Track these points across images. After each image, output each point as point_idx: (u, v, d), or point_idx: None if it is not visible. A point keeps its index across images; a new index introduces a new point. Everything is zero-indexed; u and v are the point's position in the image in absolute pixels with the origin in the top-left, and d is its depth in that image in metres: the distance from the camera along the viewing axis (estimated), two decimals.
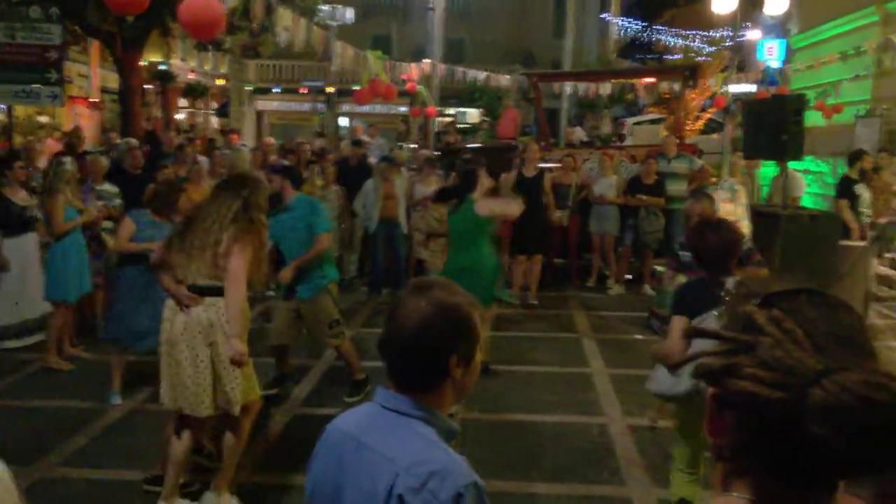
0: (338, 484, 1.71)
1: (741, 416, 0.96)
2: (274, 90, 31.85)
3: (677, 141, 10.85)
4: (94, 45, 18.46)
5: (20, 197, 7.28)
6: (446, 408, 1.79)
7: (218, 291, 4.03)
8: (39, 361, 6.76)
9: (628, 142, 17.42)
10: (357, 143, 11.98)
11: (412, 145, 17.01)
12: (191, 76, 26.32)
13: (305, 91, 28.84)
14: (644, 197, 9.79)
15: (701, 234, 3.63)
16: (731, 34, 26.86)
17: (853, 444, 0.87)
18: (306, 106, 30.11)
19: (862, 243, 7.05)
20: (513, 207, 6.42)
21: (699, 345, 1.05)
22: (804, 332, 0.95)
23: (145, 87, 17.19)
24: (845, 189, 9.40)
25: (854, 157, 9.87)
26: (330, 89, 15.74)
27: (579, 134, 21.07)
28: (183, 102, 26.72)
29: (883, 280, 10.11)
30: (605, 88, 18.89)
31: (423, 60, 15.31)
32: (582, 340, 7.90)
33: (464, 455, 1.72)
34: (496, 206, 6.19)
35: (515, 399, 6.13)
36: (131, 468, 4.77)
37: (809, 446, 0.89)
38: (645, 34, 35.10)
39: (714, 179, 10.69)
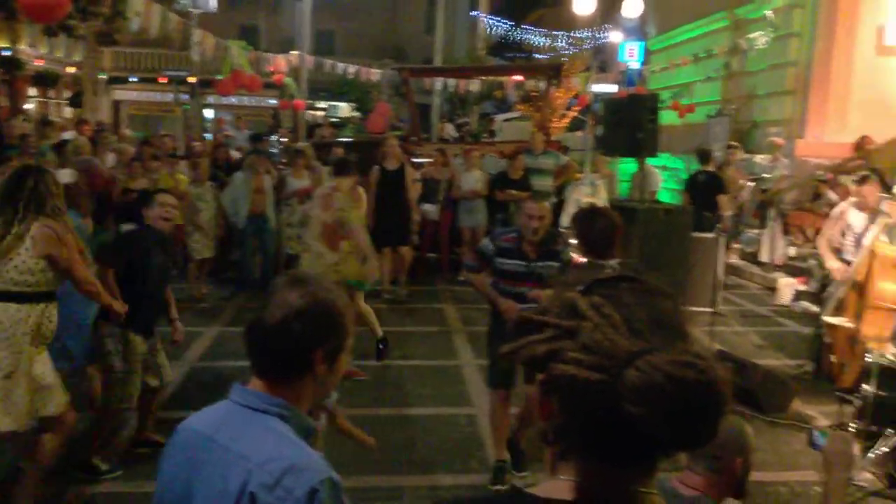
0: (189, 484, 1.65)
1: (565, 400, 0.99)
2: (131, 79, 30.27)
3: (544, 138, 11.17)
4: None
5: None
6: (305, 405, 1.75)
7: None
8: None
9: (498, 138, 17.77)
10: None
11: (282, 139, 16.65)
12: (40, 63, 24.62)
13: (166, 81, 27.60)
14: (512, 191, 10.00)
15: (590, 219, 3.79)
16: (593, 35, 27.93)
17: (666, 422, 0.91)
18: (169, 97, 28.84)
19: (710, 235, 7.48)
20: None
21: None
22: (622, 316, 0.98)
23: None
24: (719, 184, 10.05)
25: (706, 154, 10.56)
26: (192, 79, 15.14)
27: (449, 130, 21.34)
28: (32, 91, 24.97)
29: (731, 269, 10.81)
30: (475, 85, 19.17)
31: (291, 52, 14.97)
32: (452, 334, 7.98)
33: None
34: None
35: (386, 393, 6.12)
36: None
37: (627, 426, 0.92)
38: (513, 33, 35.95)
39: (578, 175, 11.07)
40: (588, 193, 9.19)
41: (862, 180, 6.28)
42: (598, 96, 17.42)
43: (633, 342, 0.95)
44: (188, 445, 1.70)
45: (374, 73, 16.85)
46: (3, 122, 11.43)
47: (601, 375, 0.93)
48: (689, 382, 0.90)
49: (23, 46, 22.69)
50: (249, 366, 1.74)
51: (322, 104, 30.17)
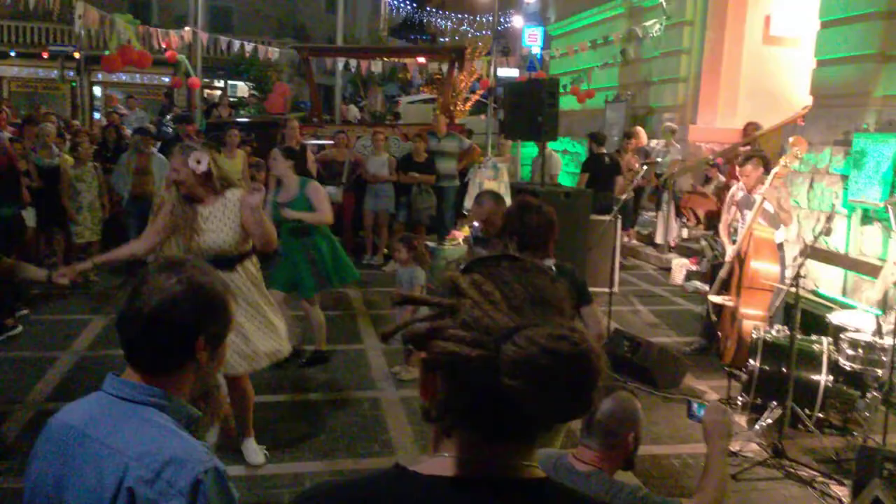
0: (60, 481, 1.55)
1: (446, 377, 1.00)
2: (11, 54, 28.46)
3: (447, 121, 11.17)
4: None
5: None
6: (185, 393, 1.68)
7: None
8: None
9: (402, 120, 17.68)
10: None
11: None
12: None
13: (48, 56, 26.07)
14: (416, 175, 9.97)
15: (523, 214, 3.58)
16: (493, 19, 28.15)
17: (542, 394, 0.93)
18: (54, 73, 27.29)
19: (608, 217, 7.67)
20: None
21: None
22: (501, 294, 1.00)
23: None
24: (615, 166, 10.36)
25: (600, 137, 10.89)
26: (77, 55, 14.28)
27: (354, 112, 21.08)
28: None
29: (628, 250, 11.15)
30: (378, 66, 18.98)
31: (185, 28, 14.40)
32: (356, 316, 7.91)
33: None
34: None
35: (285, 378, 6.00)
36: None
37: (507, 401, 0.94)
38: (417, 15, 35.84)
39: (482, 158, 11.15)
40: (491, 177, 9.27)
41: (745, 160, 6.56)
42: (501, 80, 17.58)
43: (512, 318, 0.97)
44: (58, 440, 1.60)
45: (273, 52, 16.40)
46: None
47: (481, 351, 0.95)
48: (564, 355, 0.93)
49: None
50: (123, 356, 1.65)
51: (219, 83, 29.27)
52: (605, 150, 10.85)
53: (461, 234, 9.10)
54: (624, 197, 7.74)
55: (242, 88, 28.82)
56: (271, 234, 4.27)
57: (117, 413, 1.57)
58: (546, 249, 3.58)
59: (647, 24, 14.26)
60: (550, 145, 10.31)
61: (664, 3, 13.75)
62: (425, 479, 1.02)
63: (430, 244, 9.38)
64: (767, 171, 6.34)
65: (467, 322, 0.97)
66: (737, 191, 6.67)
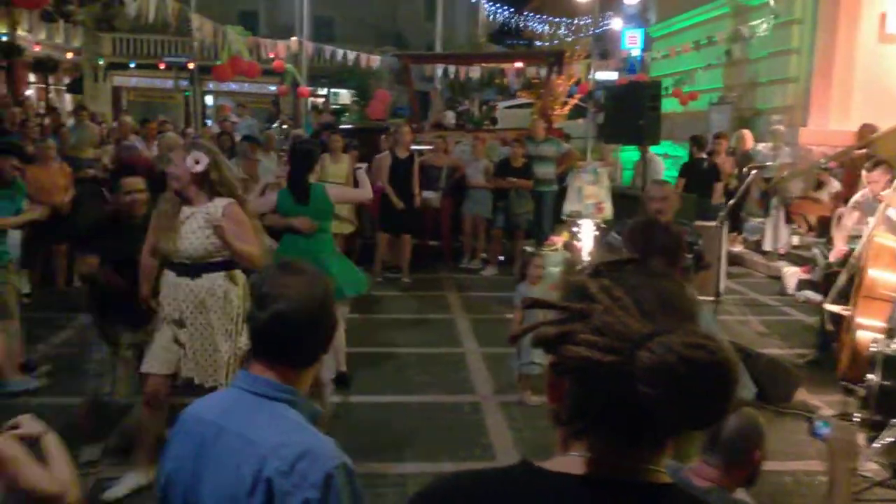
0: (197, 472, 1.64)
1: (577, 381, 1.01)
2: (131, 65, 30.14)
3: (545, 125, 11.11)
4: None
5: None
6: (307, 389, 1.76)
7: None
8: None
9: (500, 125, 17.71)
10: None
11: (283, 126, 16.58)
12: (39, 49, 24.51)
13: (165, 67, 27.49)
14: (513, 179, 9.95)
15: (648, 233, 3.25)
16: (593, 22, 27.78)
17: (677, 402, 0.93)
18: (169, 83, 28.75)
19: (713, 223, 7.45)
20: (364, 193, 5.93)
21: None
22: (632, 299, 1.00)
23: None
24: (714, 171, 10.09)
25: (703, 141, 10.62)
26: (191, 65, 15.10)
27: (449, 117, 21.24)
28: (32, 78, 24.87)
29: (735, 258, 10.79)
30: (476, 72, 19.09)
31: (291, 39, 14.88)
32: (455, 321, 7.96)
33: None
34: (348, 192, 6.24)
35: (388, 380, 6.10)
36: None
37: (639, 406, 0.94)
38: (514, 20, 35.78)
39: (580, 163, 11.04)
40: (591, 181, 9.15)
41: (873, 166, 6.27)
42: (600, 84, 17.38)
43: (644, 324, 0.97)
44: (194, 433, 1.68)
45: (374, 60, 16.75)
46: (3, 109, 11.35)
47: (613, 357, 0.95)
48: (701, 363, 0.93)
49: (21, 32, 22.57)
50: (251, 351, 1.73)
51: (322, 91, 30.07)
52: (704, 155, 10.58)
53: (560, 239, 9.04)
54: (731, 202, 7.50)
55: (345, 96, 29.53)
56: (250, 254, 3.92)
57: (251, 407, 1.65)
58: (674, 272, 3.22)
59: (754, 23, 13.79)
60: (652, 149, 10.12)
61: (772, 2, 13.27)
62: (554, 476, 1.04)
63: (528, 249, 9.35)
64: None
65: (599, 327, 0.98)
66: (861, 197, 6.39)
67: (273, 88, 25.07)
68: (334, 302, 1.80)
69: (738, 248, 11.13)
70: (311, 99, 20.75)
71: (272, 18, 32.06)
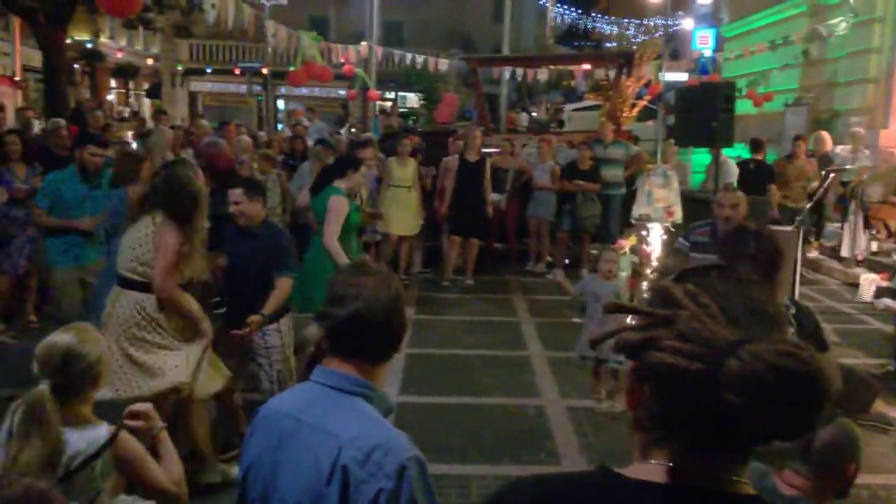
0: (276, 463, 1.70)
1: (660, 388, 1.00)
2: (207, 71, 31.07)
3: (613, 127, 11.00)
4: (16, 22, 17.70)
5: None
6: (381, 383, 1.81)
7: None
8: None
9: (567, 128, 17.60)
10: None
11: (351, 129, 16.82)
12: (120, 56, 25.48)
13: (240, 72, 28.23)
14: (580, 182, 9.88)
15: (741, 242, 3.13)
16: (665, 23, 27.36)
17: (766, 412, 0.91)
18: (242, 88, 29.49)
19: (789, 228, 7.25)
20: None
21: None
22: (718, 305, 0.99)
23: (73, 66, 16.57)
24: (768, 173, 9.84)
25: (757, 144, 10.38)
26: (265, 71, 15.52)
27: (524, 119, 21.20)
28: (113, 83, 25.87)
29: (810, 264, 10.47)
30: (543, 74, 19.00)
31: (361, 43, 15.12)
32: (520, 324, 7.95)
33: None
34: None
35: (452, 382, 6.14)
36: None
37: (724, 414, 0.93)
38: (582, 21, 35.47)
39: (650, 166, 10.88)
40: (660, 184, 9.00)
41: None
42: (670, 85, 17.08)
43: (731, 331, 0.95)
44: (273, 426, 1.75)
45: (443, 64, 16.86)
46: (87, 113, 11.84)
47: (700, 364, 0.94)
48: (792, 372, 0.90)
49: (103, 39, 23.50)
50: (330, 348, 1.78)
51: (390, 95, 30.38)
52: (760, 157, 10.34)
53: (628, 243, 8.92)
54: (807, 206, 7.29)
55: (412, 99, 29.76)
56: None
57: (328, 401, 1.71)
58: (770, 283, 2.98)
59: (832, 22, 13.37)
60: (725, 152, 9.90)
61: (851, 0, 12.82)
62: (634, 484, 1.03)
63: (595, 253, 9.27)
64: None
65: (685, 334, 0.96)
66: None
67: (342, 93, 25.49)
68: (405, 302, 1.85)
69: (814, 254, 10.80)
70: (378, 102, 21.02)
71: (342, 24, 32.57)
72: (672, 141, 10.87)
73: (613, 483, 1.04)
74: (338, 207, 5.44)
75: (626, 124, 15.65)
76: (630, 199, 10.24)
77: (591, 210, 9.98)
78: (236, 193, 4.50)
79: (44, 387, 2.39)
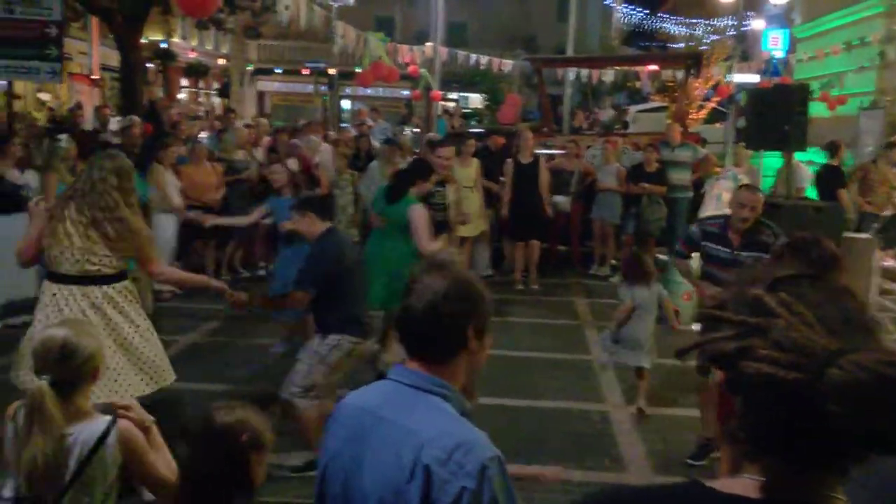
0: (357, 457, 1.72)
1: (754, 399, 0.98)
2: (276, 71, 31.68)
3: (681, 129, 10.81)
4: (94, 22, 18.32)
5: (12, 175, 7.21)
6: (460, 383, 1.80)
7: None
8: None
9: (632, 129, 17.38)
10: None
11: (414, 129, 16.93)
12: (192, 55, 26.18)
13: (307, 72, 28.70)
14: (646, 185, 9.74)
15: (803, 250, 3.11)
16: (734, 23, 26.80)
17: (870, 422, 0.89)
18: (309, 87, 29.98)
19: (866, 235, 7.02)
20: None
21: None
22: (813, 314, 0.96)
23: (147, 65, 17.08)
24: (839, 178, 9.53)
25: (834, 147, 10.05)
26: (332, 71, 15.72)
27: (581, 119, 21.00)
28: (184, 82, 26.58)
29: (887, 273, 10.09)
30: (608, 75, 18.78)
31: (426, 44, 15.21)
32: (583, 327, 7.88)
33: None
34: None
35: (516, 384, 6.11)
36: None
37: (821, 426, 0.91)
38: (648, 21, 34.97)
39: (718, 169, 10.66)
40: (730, 188, 8.80)
41: None
42: (740, 87, 16.71)
43: (831, 340, 0.93)
44: (354, 422, 1.76)
45: (507, 64, 16.83)
46: (160, 111, 12.18)
47: (798, 374, 0.92)
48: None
49: (176, 39, 24.18)
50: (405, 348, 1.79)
51: (452, 95, 30.47)
52: (835, 162, 10.03)
53: None
54: (888, 213, 7.04)
55: (474, 99, 29.78)
56: None
57: (407, 398, 1.72)
58: None
59: None
60: (797, 156, 9.63)
61: None
62: (726, 498, 1.01)
63: (662, 257, 9.12)
64: None
65: (782, 343, 0.94)
66: None
67: (405, 93, 25.68)
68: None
69: (890, 262, 10.41)
70: (441, 103, 21.11)
71: (407, 24, 32.80)
72: (743, 144, 10.63)
73: (706, 497, 1.02)
74: (419, 217, 5.61)
75: (693, 126, 15.38)
76: (697, 202, 10.06)
77: (657, 213, 9.83)
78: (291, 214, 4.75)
79: (43, 382, 2.38)
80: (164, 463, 2.55)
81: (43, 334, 2.57)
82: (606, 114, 17.48)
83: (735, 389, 1.00)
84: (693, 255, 5.05)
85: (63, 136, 7.10)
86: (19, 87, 14.49)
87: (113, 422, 2.47)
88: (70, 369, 2.44)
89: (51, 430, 2.34)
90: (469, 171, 9.27)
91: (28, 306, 7.19)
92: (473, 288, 1.80)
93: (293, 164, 6.83)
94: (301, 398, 4.35)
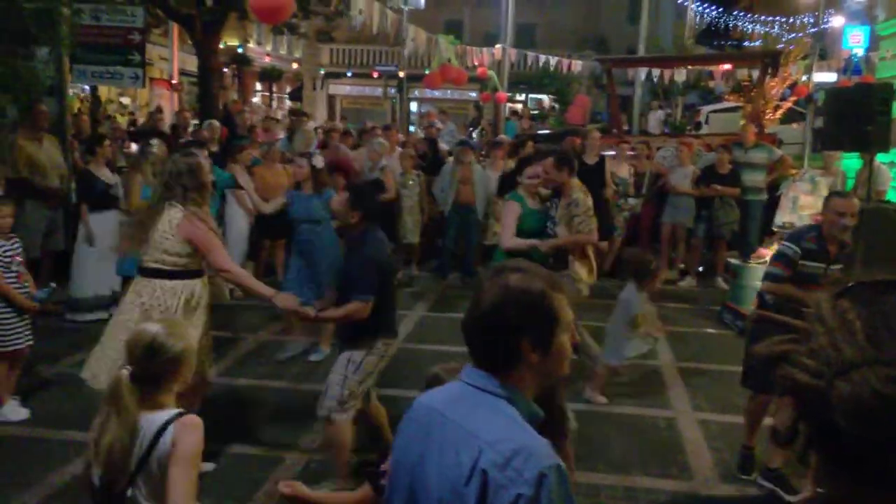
0: (422, 455, 1.74)
1: (797, 406, 0.94)
2: (347, 74, 32.19)
3: (756, 130, 10.53)
4: (175, 29, 18.96)
5: (105, 174, 7.59)
6: (530, 390, 1.77)
7: None
8: None
9: (704, 130, 17.02)
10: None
11: (483, 131, 16.95)
12: (267, 60, 26.82)
13: (377, 75, 29.05)
14: (718, 187, 9.52)
15: (863, 227, 3.09)
16: (813, 20, 25.99)
17: (874, 441, 0.85)
18: (378, 90, 30.35)
19: None
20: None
21: None
22: (867, 325, 0.90)
23: (223, 70, 17.59)
24: None
25: None
26: (401, 74, 15.94)
27: (659, 117, 20.64)
28: (257, 86, 27.25)
29: None
30: (681, 75, 18.43)
31: (495, 46, 15.22)
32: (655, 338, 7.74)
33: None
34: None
35: (581, 388, 6.06)
36: None
37: (843, 440, 0.87)
38: (722, 20, 34.15)
39: (794, 171, 10.35)
40: (807, 191, 8.55)
41: None
42: (818, 86, 16.19)
43: (860, 352, 0.88)
44: (423, 420, 1.79)
45: (576, 65, 16.70)
46: (235, 115, 12.55)
47: (816, 382, 0.89)
48: (893, 401, 0.83)
49: (251, 45, 24.81)
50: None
51: (520, 97, 30.36)
52: None
53: (769, 252, 8.52)
54: None
55: (542, 101, 29.58)
56: None
57: (473, 400, 1.72)
58: None
59: None
60: (878, 157, 9.27)
61: None
62: None
63: (733, 261, 8.91)
64: None
65: (814, 350, 0.91)
66: None
67: (473, 95, 25.73)
68: (544, 307, 1.74)
69: None
70: (508, 105, 21.07)
71: (476, 26, 32.84)
72: (821, 146, 10.28)
73: None
74: (508, 212, 5.75)
75: (769, 127, 14.94)
76: (771, 205, 9.79)
77: (730, 216, 9.60)
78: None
79: (124, 372, 2.48)
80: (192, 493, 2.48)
81: (137, 328, 2.67)
82: (655, 117, 16.86)
83: (780, 393, 0.97)
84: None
85: (155, 140, 7.39)
86: (102, 91, 15.10)
87: (176, 416, 2.51)
88: (153, 366, 2.52)
89: (125, 420, 2.41)
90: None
91: (101, 303, 7.56)
92: (532, 297, 1.71)
93: (319, 161, 6.89)
94: (339, 412, 4.19)
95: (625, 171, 10.00)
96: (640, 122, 18.28)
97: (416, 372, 6.28)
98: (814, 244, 4.34)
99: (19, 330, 5.17)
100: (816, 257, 4.32)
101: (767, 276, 4.44)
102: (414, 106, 31.21)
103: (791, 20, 30.01)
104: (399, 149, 9.84)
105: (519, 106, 25.64)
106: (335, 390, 4.19)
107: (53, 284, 5.74)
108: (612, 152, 10.34)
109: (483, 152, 11.60)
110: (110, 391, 2.48)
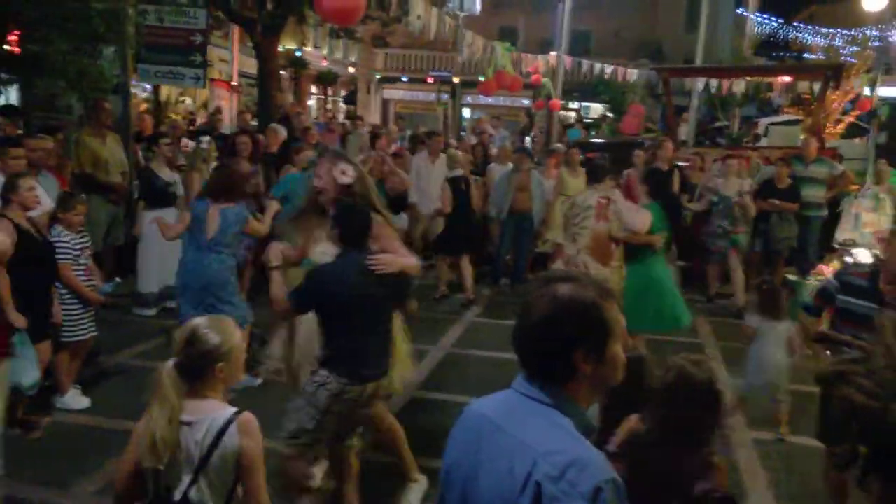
0: (475, 464, 1.72)
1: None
2: (401, 79, 32.45)
3: (817, 144, 10.29)
4: (235, 31, 19.33)
5: (165, 173, 7.77)
6: (584, 400, 1.74)
7: None
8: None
9: (763, 143, 16.70)
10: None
11: (534, 138, 16.93)
12: (323, 64, 27.16)
13: (431, 81, 29.21)
14: (776, 201, 9.30)
15: None
16: (878, 33, 25.35)
17: None
18: (431, 96, 30.50)
19: None
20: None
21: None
22: None
23: (281, 72, 17.89)
24: None
25: None
26: (456, 80, 15.98)
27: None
28: (312, 89, 27.60)
29: None
30: (739, 86, 18.11)
31: (550, 53, 15.19)
32: (703, 346, 7.64)
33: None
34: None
35: None
36: None
37: None
38: (782, 31, 33.49)
39: (856, 187, 10.09)
40: (870, 208, 8.33)
41: None
42: (883, 100, 15.77)
43: None
44: (475, 428, 1.77)
45: (631, 74, 16.54)
46: (292, 117, 12.72)
47: (872, 403, 0.86)
48: None
49: (308, 48, 25.15)
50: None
51: (574, 104, 30.20)
52: None
53: (829, 269, 8.32)
54: None
55: (595, 109, 29.41)
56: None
57: (526, 410, 1.69)
58: None
59: None
60: None
61: None
62: None
63: (791, 278, 8.71)
64: None
65: (872, 370, 0.90)
66: None
67: (526, 102, 25.67)
68: (589, 316, 1.67)
69: None
70: (561, 112, 20.99)
71: (531, 33, 32.78)
72: (883, 161, 10.02)
73: None
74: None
75: (829, 141, 14.61)
76: (832, 221, 9.56)
77: (788, 231, 9.38)
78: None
79: (169, 362, 2.58)
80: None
81: (190, 321, 2.75)
82: (685, 131, 16.32)
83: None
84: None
85: (205, 138, 7.57)
86: (163, 91, 15.47)
87: (236, 414, 2.56)
88: (192, 356, 2.58)
89: (164, 408, 2.49)
90: (578, 181, 9.16)
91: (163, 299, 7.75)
92: (582, 308, 1.67)
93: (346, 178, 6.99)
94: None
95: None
96: (695, 132, 18.01)
97: (464, 377, 6.32)
98: (863, 281, 3.79)
99: (84, 321, 5.33)
100: (862, 295, 3.67)
101: (802, 308, 4.20)
102: (467, 112, 31.29)
103: (853, 32, 29.28)
104: (443, 155, 9.85)
105: (573, 114, 25.51)
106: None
107: (118, 279, 5.89)
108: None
109: (536, 160, 11.57)
110: (155, 380, 2.55)
